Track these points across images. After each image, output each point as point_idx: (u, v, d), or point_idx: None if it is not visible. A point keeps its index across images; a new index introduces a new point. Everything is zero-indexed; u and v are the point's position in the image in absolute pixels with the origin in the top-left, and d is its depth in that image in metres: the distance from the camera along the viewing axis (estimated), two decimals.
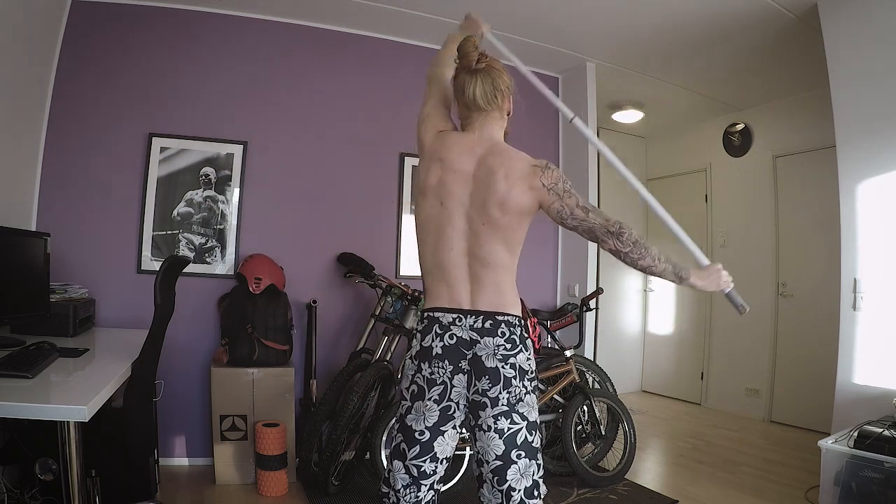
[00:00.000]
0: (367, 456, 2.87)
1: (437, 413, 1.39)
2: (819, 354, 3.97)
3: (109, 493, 2.14)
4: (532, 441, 1.38)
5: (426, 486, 1.41)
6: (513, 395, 1.36)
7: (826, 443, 2.49)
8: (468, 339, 1.38)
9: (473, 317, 1.38)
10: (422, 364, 1.41)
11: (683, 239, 1.63)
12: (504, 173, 1.39)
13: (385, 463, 2.73)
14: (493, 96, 1.46)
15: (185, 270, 2.34)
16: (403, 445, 1.41)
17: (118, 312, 2.99)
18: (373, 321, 3.18)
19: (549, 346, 3.58)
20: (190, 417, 3.13)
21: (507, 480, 1.35)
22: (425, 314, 1.45)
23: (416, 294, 3.10)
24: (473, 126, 1.50)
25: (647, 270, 1.39)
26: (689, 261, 1.56)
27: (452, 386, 1.39)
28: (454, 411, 1.40)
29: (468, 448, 2.84)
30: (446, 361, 1.38)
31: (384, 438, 2.79)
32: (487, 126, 1.49)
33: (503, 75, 1.49)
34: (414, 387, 1.43)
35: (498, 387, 1.35)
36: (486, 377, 1.36)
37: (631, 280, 5.69)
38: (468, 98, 1.46)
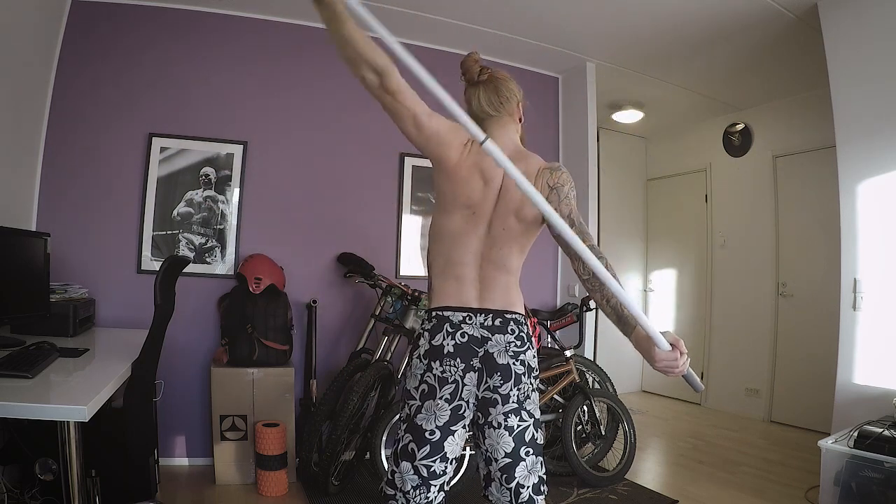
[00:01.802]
0: (367, 456, 2.87)
1: (448, 412, 1.38)
2: (819, 354, 3.97)
3: (109, 493, 2.14)
4: (538, 438, 1.40)
5: (436, 486, 1.39)
6: (522, 391, 1.38)
7: (826, 443, 2.49)
8: (480, 336, 1.39)
9: (483, 315, 1.40)
10: (432, 363, 1.40)
11: (637, 314, 1.21)
12: (524, 171, 1.40)
13: (386, 464, 2.75)
14: (498, 102, 1.51)
15: (185, 270, 2.34)
16: (412, 445, 1.39)
17: (118, 312, 2.99)
18: (373, 321, 3.18)
19: (549, 346, 3.58)
20: (190, 417, 3.13)
21: (515, 478, 1.36)
22: (433, 313, 1.44)
23: (416, 294, 3.10)
24: (492, 134, 1.49)
25: (597, 304, 1.34)
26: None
27: (464, 384, 1.38)
28: (464, 410, 1.40)
29: (468, 448, 2.84)
30: (458, 360, 1.38)
31: (384, 438, 2.79)
32: (504, 132, 1.52)
33: (507, 83, 1.53)
34: (424, 386, 1.40)
35: (509, 383, 1.37)
36: (498, 374, 1.37)
37: (631, 280, 5.69)
38: (476, 108, 1.53)
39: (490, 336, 1.39)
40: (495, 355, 1.38)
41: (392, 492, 1.42)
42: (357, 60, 1.31)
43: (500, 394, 1.37)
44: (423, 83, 1.11)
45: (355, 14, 1.15)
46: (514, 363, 1.38)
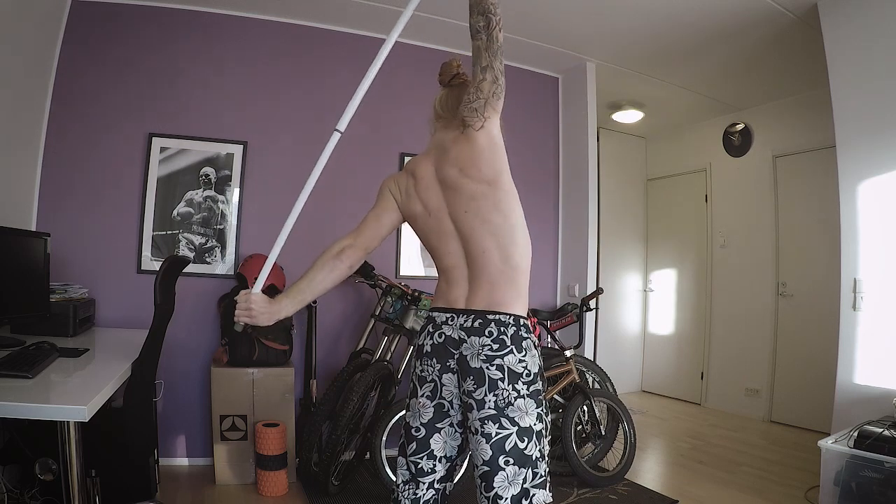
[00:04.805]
0: (367, 456, 2.87)
1: (431, 410, 1.40)
2: (819, 354, 3.97)
3: (109, 493, 2.14)
4: (525, 448, 1.31)
5: (425, 484, 1.41)
6: (500, 398, 1.31)
7: (826, 443, 2.49)
8: (457, 338, 1.37)
9: (465, 316, 1.38)
10: (416, 362, 1.46)
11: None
12: (452, 156, 1.44)
13: (386, 463, 2.75)
14: (455, 106, 1.52)
15: (185, 270, 2.34)
16: (405, 441, 1.45)
17: (118, 312, 2.99)
18: (373, 321, 3.18)
19: (549, 346, 3.58)
20: (190, 417, 3.13)
21: (493, 488, 1.30)
22: (427, 314, 1.49)
23: (416, 294, 3.10)
24: (434, 136, 1.57)
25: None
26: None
27: (442, 384, 1.39)
28: (449, 409, 1.40)
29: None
30: (434, 360, 1.40)
31: (384, 438, 2.79)
32: (447, 131, 1.53)
33: None
34: (412, 384, 1.47)
35: (483, 388, 1.32)
36: (471, 378, 1.34)
37: (631, 280, 5.69)
38: (434, 106, 1.60)
39: (466, 338, 1.36)
40: (468, 358, 1.34)
41: (394, 486, 1.48)
42: (356, 266, 1.51)
43: (474, 399, 1.33)
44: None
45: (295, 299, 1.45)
46: (487, 367, 1.32)
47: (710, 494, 2.99)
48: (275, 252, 1.48)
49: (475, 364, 1.33)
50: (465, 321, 1.37)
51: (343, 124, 1.50)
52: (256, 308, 1.41)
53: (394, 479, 1.48)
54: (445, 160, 1.45)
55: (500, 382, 1.31)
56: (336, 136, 1.55)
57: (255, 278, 1.50)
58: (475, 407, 1.33)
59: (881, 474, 2.27)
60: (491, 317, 1.35)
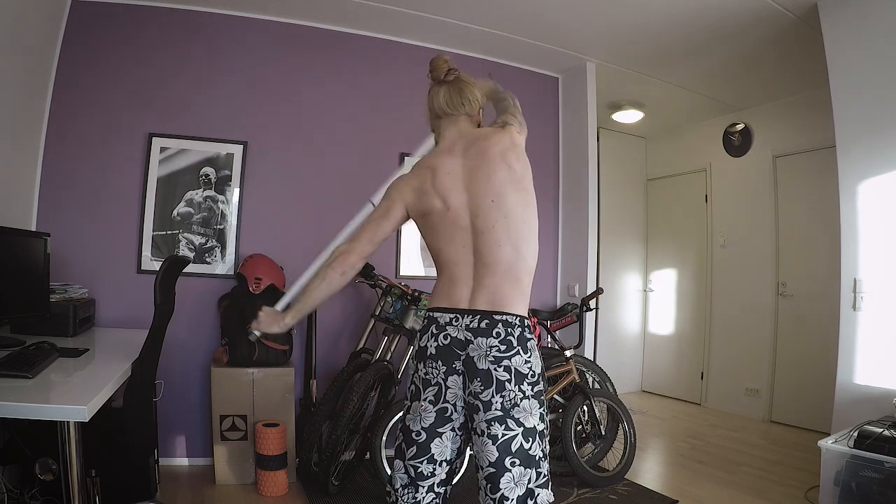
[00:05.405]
0: (367, 456, 2.87)
1: (434, 414, 1.39)
2: (819, 354, 3.97)
3: (109, 493, 2.14)
4: (529, 449, 1.32)
5: (424, 487, 1.40)
6: (507, 399, 1.31)
7: (826, 443, 2.49)
8: (463, 339, 1.36)
9: (470, 316, 1.36)
10: (419, 364, 1.43)
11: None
12: (492, 141, 1.46)
13: (386, 463, 2.75)
14: (459, 103, 1.54)
15: (185, 270, 2.34)
16: (403, 445, 1.43)
17: (118, 312, 2.99)
18: (373, 321, 3.18)
19: (549, 346, 3.58)
20: (190, 417, 3.13)
21: (499, 489, 1.30)
22: (427, 314, 1.45)
23: (416, 294, 3.10)
24: (445, 132, 1.56)
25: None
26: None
27: (447, 387, 1.38)
28: (451, 413, 1.39)
29: (470, 448, 2.84)
30: (439, 362, 1.38)
31: (384, 438, 2.79)
32: (455, 127, 1.54)
33: (472, 88, 1.58)
34: (413, 387, 1.44)
35: (490, 390, 1.31)
36: (479, 379, 1.33)
37: (631, 280, 5.69)
38: (434, 105, 1.57)
39: (473, 339, 1.34)
40: (475, 359, 1.34)
41: (389, 488, 1.46)
42: (351, 273, 1.48)
43: (481, 400, 1.32)
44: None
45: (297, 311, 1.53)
46: (495, 368, 1.32)
47: (710, 494, 2.99)
48: (294, 289, 1.68)
49: (483, 365, 1.33)
50: (471, 322, 1.36)
51: (378, 199, 1.59)
52: (262, 314, 1.52)
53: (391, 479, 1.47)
54: (486, 145, 1.45)
55: (507, 384, 1.32)
56: (368, 207, 1.69)
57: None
58: (481, 408, 1.32)
59: (881, 474, 2.28)
60: (497, 317, 1.35)
